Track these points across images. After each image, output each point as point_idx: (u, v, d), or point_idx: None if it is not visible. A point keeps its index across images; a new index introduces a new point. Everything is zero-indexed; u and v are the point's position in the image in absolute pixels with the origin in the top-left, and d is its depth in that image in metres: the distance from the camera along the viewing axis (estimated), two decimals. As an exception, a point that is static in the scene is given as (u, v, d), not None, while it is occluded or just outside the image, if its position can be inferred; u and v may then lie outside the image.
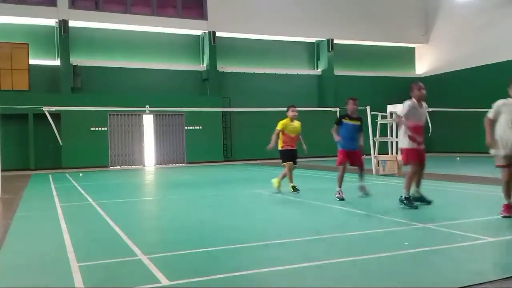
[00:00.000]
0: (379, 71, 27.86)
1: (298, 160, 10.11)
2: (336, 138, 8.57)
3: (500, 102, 6.19)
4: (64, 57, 21.59)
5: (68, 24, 21.69)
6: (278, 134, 9.85)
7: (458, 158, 20.62)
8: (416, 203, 7.20)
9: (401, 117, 7.26)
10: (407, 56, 29.61)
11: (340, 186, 8.60)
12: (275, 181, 10.07)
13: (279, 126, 9.86)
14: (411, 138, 7.13)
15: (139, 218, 7.85)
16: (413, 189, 7.40)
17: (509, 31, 23.70)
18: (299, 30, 25.90)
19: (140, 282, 3.84)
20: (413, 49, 29.83)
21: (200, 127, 23.15)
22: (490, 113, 6.21)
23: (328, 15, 26.46)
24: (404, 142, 7.29)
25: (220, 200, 9.42)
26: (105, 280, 4.04)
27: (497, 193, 9.11)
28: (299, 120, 10.06)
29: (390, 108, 14.98)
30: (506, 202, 6.24)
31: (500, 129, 6.13)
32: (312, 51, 27.30)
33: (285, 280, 3.91)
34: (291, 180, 9.90)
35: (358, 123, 8.67)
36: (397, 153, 14.60)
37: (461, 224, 6.06)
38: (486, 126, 6.21)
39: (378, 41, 27.94)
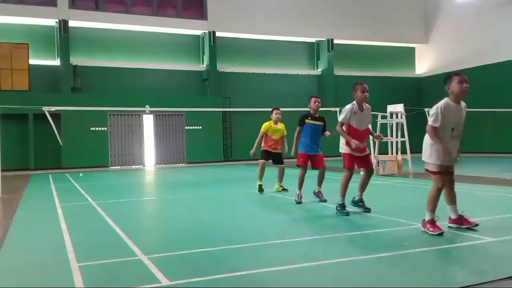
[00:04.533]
0: (379, 71, 27.86)
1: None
2: (293, 150, 8.63)
3: None
4: (64, 57, 21.60)
5: (68, 24, 21.69)
6: (262, 137, 10.10)
7: (458, 158, 20.58)
8: (347, 210, 6.85)
9: (341, 124, 6.87)
10: (407, 56, 29.61)
11: (300, 189, 8.40)
12: (277, 187, 10.29)
13: (263, 128, 10.14)
14: (347, 144, 6.84)
15: (139, 218, 7.85)
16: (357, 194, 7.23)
17: (509, 31, 23.70)
18: (299, 30, 25.90)
19: (140, 282, 3.84)
20: (413, 49, 29.83)
21: (200, 127, 23.16)
22: None
23: (328, 15, 26.46)
24: (342, 146, 6.97)
25: (220, 200, 9.42)
26: (105, 280, 4.04)
27: (498, 193, 9.13)
28: (283, 122, 10.29)
29: (390, 108, 15.00)
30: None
31: None
32: (312, 51, 27.30)
33: (285, 280, 3.91)
34: (260, 179, 10.12)
35: (321, 123, 8.34)
36: (397, 153, 14.61)
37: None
38: None
39: (378, 41, 27.94)
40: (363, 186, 7.16)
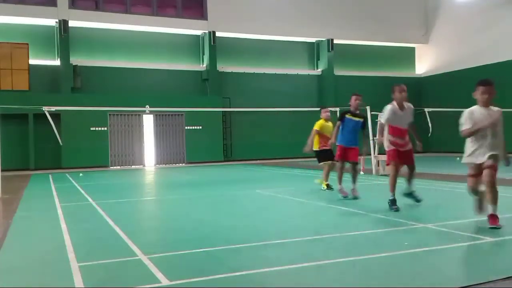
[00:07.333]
0: (379, 71, 27.86)
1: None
2: (333, 138, 8.77)
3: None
4: (64, 57, 21.60)
5: (68, 24, 21.69)
6: (315, 135, 10.00)
7: (458, 158, 20.61)
8: (398, 207, 7.11)
9: (382, 124, 7.26)
10: (407, 56, 29.61)
11: (340, 183, 8.70)
12: (319, 181, 10.40)
13: (317, 126, 10.02)
14: (391, 143, 7.20)
15: (139, 218, 7.85)
16: (405, 186, 7.54)
17: (509, 31, 23.70)
18: (299, 30, 25.90)
19: (140, 282, 3.84)
20: (413, 49, 29.83)
21: (200, 127, 23.16)
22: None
23: (328, 15, 26.47)
24: (385, 144, 7.33)
25: (220, 200, 9.42)
26: (105, 280, 4.04)
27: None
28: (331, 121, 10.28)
29: (390, 108, 14.95)
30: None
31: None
32: (312, 51, 27.30)
33: (285, 280, 3.91)
34: (326, 179, 10.04)
35: (360, 119, 8.66)
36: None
37: (461, 224, 6.05)
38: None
39: (378, 41, 27.94)
40: (410, 180, 7.47)
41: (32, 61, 20.99)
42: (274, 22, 25.18)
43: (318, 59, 27.10)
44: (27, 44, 20.85)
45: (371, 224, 6.33)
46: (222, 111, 23.28)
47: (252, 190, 10.89)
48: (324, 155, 9.98)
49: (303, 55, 27.22)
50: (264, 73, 25.56)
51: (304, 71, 26.89)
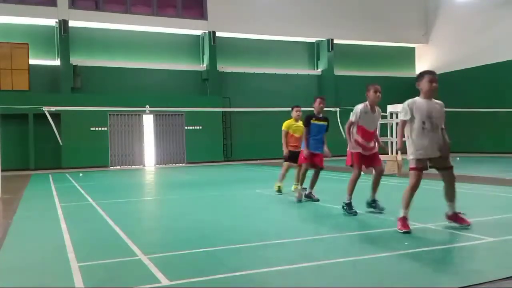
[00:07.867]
0: (379, 71, 27.85)
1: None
2: (305, 144, 8.38)
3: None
4: (64, 57, 21.61)
5: (68, 24, 21.71)
6: (286, 136, 9.70)
7: (458, 158, 20.60)
8: (355, 210, 6.85)
9: (351, 122, 6.87)
10: (407, 56, 29.62)
11: (301, 185, 8.62)
12: (294, 187, 9.82)
13: (284, 127, 9.71)
14: (356, 143, 6.87)
15: (139, 218, 7.85)
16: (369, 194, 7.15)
17: (509, 31, 23.71)
18: (299, 30, 25.92)
19: (140, 282, 3.84)
20: (413, 49, 29.84)
21: (200, 127, 23.17)
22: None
23: (328, 15, 26.48)
24: (349, 145, 6.96)
25: (220, 200, 9.42)
26: (105, 280, 4.04)
27: (498, 193, 9.13)
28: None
29: (390, 108, 15.00)
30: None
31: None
32: (312, 51, 27.31)
33: (285, 280, 3.91)
34: (281, 180, 9.80)
35: (324, 123, 8.40)
36: (397, 153, 14.61)
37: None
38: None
39: (378, 41, 27.95)
40: (375, 186, 7.12)
41: (32, 61, 21.00)
42: (274, 22, 25.19)
43: (318, 59, 27.11)
44: (27, 44, 20.86)
45: (371, 224, 6.32)
46: (222, 111, 23.30)
47: (252, 190, 10.88)
48: (290, 156, 9.63)
49: (303, 55, 27.23)
50: (264, 73, 25.57)
51: (304, 71, 26.90)
